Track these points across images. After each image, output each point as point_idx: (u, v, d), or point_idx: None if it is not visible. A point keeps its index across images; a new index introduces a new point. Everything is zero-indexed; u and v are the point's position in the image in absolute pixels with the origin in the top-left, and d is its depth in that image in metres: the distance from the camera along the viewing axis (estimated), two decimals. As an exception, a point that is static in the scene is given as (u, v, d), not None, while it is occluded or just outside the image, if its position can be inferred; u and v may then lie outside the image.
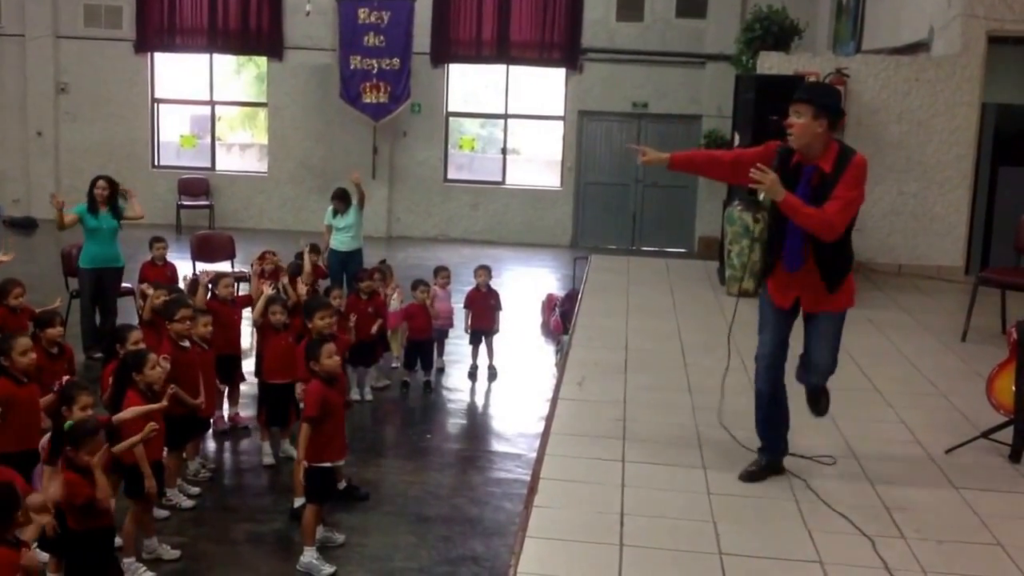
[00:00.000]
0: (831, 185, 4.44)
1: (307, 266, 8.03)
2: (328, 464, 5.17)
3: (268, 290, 6.89)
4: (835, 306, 4.73)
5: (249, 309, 7.21)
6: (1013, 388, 5.30)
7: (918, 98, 9.88)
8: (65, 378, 5.34)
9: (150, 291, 6.81)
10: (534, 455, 6.43)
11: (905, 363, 7.10)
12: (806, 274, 4.64)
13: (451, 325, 9.03)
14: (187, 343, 5.95)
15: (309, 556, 5.12)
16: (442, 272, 9.01)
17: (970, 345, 7.57)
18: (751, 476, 4.90)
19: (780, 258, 4.71)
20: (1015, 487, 4.95)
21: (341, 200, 10.15)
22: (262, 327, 6.73)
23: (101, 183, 8.73)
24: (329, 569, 5.09)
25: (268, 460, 6.61)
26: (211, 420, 6.59)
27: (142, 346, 5.50)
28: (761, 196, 4.58)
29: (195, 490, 6.06)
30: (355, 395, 7.86)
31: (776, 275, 4.78)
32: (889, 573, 3.84)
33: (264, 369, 6.63)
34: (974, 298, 7.80)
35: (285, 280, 7.54)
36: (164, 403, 5.10)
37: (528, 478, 5.86)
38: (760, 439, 5.00)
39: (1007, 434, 5.33)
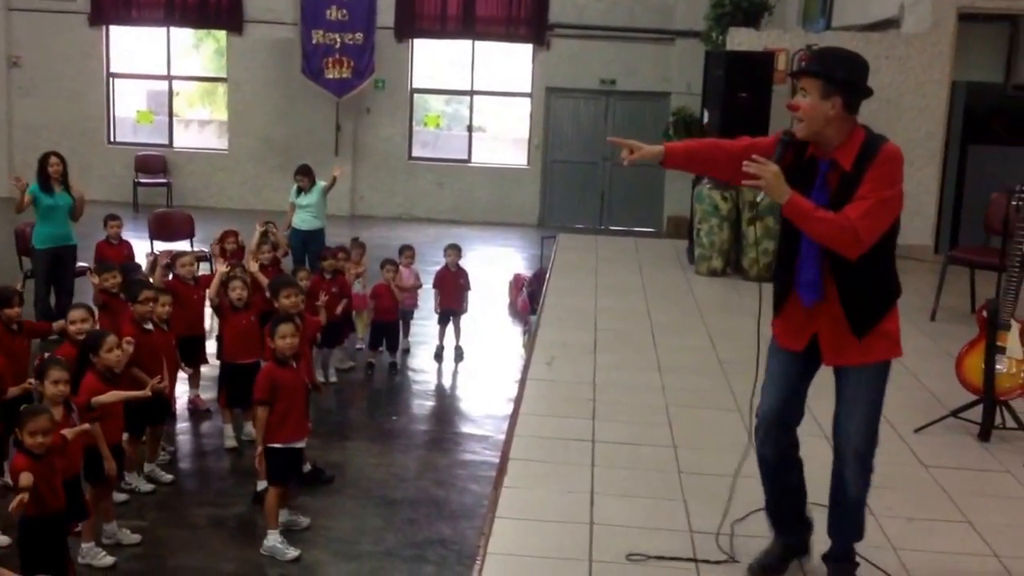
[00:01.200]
0: (854, 185, 3.34)
1: (255, 239, 7.76)
2: (282, 445, 5.08)
3: (223, 268, 6.71)
4: (868, 357, 3.48)
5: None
6: (982, 367, 5.34)
7: (888, 75, 9.82)
8: (45, 354, 5.20)
9: (95, 279, 6.64)
10: (501, 437, 6.46)
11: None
12: (826, 309, 3.50)
13: (416, 305, 8.91)
14: (151, 325, 5.83)
15: (273, 540, 5.05)
16: (407, 251, 8.90)
17: (939, 324, 7.61)
18: (765, 570, 3.79)
19: (794, 286, 3.56)
20: (984, 465, 5.02)
21: (305, 176, 9.95)
22: (220, 307, 6.56)
23: (54, 160, 8.44)
24: (294, 552, 5.02)
25: (230, 443, 6.49)
26: (173, 405, 6.46)
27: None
28: (759, 197, 3.54)
29: (168, 477, 5.95)
30: (319, 376, 7.69)
31: (787, 309, 3.61)
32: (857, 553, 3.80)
33: (225, 349, 6.48)
34: (943, 277, 7.82)
35: (248, 260, 7.34)
36: (148, 392, 5.06)
37: (495, 460, 5.93)
38: (769, 518, 3.89)
39: (976, 413, 5.39)
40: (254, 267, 6.99)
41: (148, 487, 5.75)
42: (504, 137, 17.44)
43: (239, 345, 6.37)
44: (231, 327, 6.43)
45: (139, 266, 7.94)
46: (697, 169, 4.09)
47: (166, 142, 16.91)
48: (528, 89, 16.32)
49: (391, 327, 8.45)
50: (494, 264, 12.63)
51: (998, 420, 5.36)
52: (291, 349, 5.13)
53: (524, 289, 10.46)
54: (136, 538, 5.15)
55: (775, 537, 3.85)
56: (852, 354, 3.49)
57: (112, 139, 16.86)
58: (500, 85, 16.77)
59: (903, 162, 3.41)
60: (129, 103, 17.28)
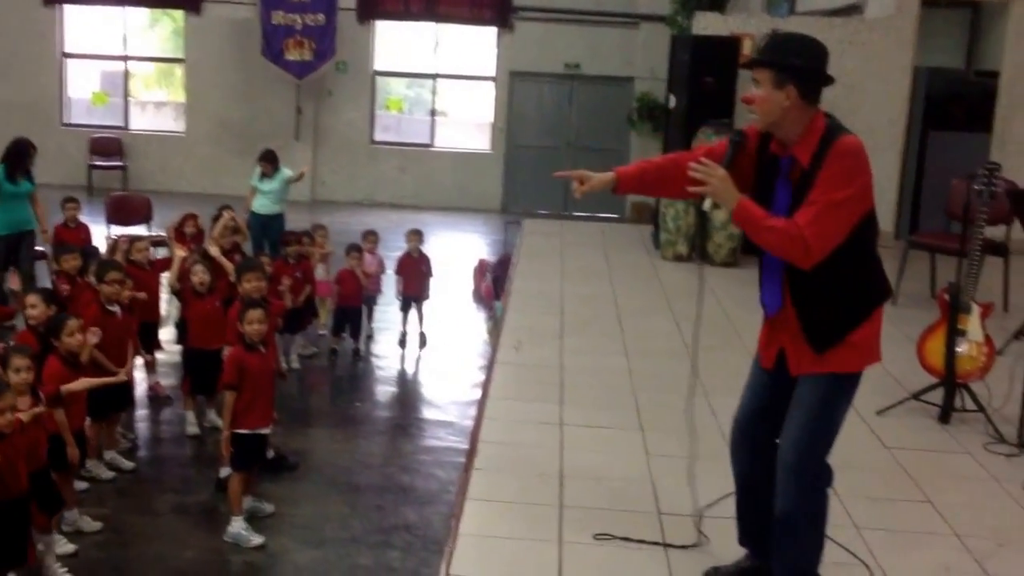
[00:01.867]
0: (812, 182, 3.09)
1: (219, 225, 7.62)
2: (248, 431, 5.03)
3: (181, 252, 6.60)
4: (824, 366, 3.23)
5: (167, 274, 6.90)
6: (943, 350, 5.41)
7: (851, 61, 9.87)
8: (11, 342, 5.14)
9: (54, 264, 6.58)
10: (466, 422, 6.47)
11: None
12: (788, 321, 3.28)
13: (380, 291, 8.85)
14: (116, 308, 5.74)
15: (237, 526, 5.00)
16: (370, 236, 8.83)
17: (900, 309, 7.65)
18: None
19: (760, 295, 3.40)
20: (944, 447, 5.09)
21: (269, 162, 9.80)
22: (183, 292, 6.44)
23: (32, 151, 8.34)
24: (258, 539, 4.98)
25: (192, 430, 6.40)
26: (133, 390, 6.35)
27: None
28: (707, 204, 3.21)
29: (129, 464, 5.86)
30: (282, 363, 7.63)
31: (764, 319, 3.46)
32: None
33: (190, 335, 6.38)
34: (904, 262, 7.89)
35: (210, 244, 7.22)
36: (123, 376, 5.05)
37: (461, 445, 5.95)
38: (738, 533, 3.69)
39: (937, 395, 5.45)
40: (216, 251, 6.88)
41: (109, 474, 5.66)
42: (467, 121, 17.33)
43: (204, 331, 6.26)
44: (195, 313, 6.32)
45: (98, 249, 7.80)
46: (652, 191, 3.76)
47: (121, 124, 16.61)
48: (492, 73, 16.22)
49: (354, 313, 8.37)
50: (457, 250, 12.57)
51: (958, 402, 5.42)
52: (259, 335, 5.08)
53: (488, 275, 10.41)
54: (97, 526, 5.08)
55: (747, 554, 3.66)
56: (811, 363, 3.26)
57: (66, 121, 16.52)
58: (463, 69, 16.65)
59: (862, 156, 3.10)
60: (83, 84, 16.95)
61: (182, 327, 6.61)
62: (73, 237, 8.35)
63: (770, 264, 3.29)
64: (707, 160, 3.16)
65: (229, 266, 6.70)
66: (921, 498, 4.44)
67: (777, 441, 3.37)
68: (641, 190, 3.61)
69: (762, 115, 3.19)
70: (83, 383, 4.87)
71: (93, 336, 5.14)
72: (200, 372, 6.26)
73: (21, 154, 8.25)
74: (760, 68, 3.19)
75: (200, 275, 6.29)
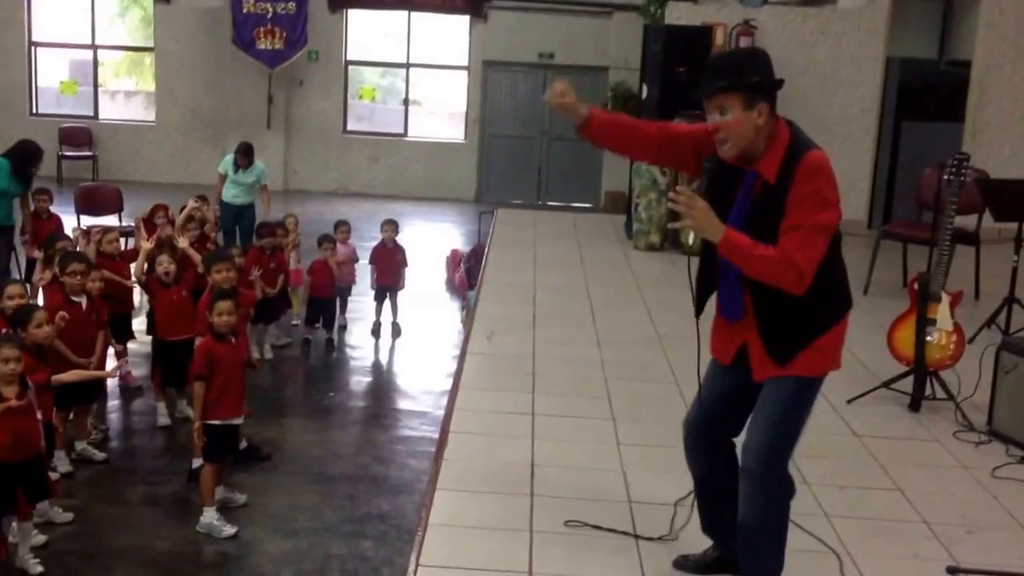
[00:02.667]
0: (780, 199, 3.06)
1: (184, 213, 7.55)
2: (219, 422, 5.01)
3: (147, 244, 6.54)
4: (789, 370, 3.20)
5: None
6: (913, 339, 5.45)
7: (824, 51, 9.93)
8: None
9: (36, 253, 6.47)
10: (439, 412, 6.44)
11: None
12: (751, 325, 3.25)
13: (354, 281, 8.78)
14: (80, 299, 5.66)
15: (209, 517, 4.96)
16: (342, 226, 8.75)
17: (872, 298, 7.73)
18: (687, 566, 3.69)
19: (717, 300, 3.36)
20: (914, 435, 5.14)
21: (245, 156, 9.70)
22: (148, 283, 6.38)
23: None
24: (231, 530, 4.94)
25: (163, 421, 6.33)
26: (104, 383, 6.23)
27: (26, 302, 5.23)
28: (688, 238, 3.38)
29: (101, 455, 5.81)
30: (255, 353, 7.57)
31: (715, 316, 3.42)
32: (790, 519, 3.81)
33: (158, 326, 6.31)
34: (876, 252, 7.93)
35: (177, 235, 7.14)
36: (114, 372, 5.07)
37: (434, 435, 5.92)
38: (701, 524, 3.72)
39: (907, 384, 5.50)
40: (184, 243, 6.81)
41: (67, 468, 5.58)
42: (441, 111, 17.23)
43: (171, 322, 6.20)
44: (162, 303, 6.25)
45: (67, 236, 7.70)
46: (617, 144, 3.61)
47: (91, 113, 16.39)
48: (465, 62, 16.13)
49: (328, 304, 8.31)
50: (431, 240, 12.49)
51: (928, 391, 5.46)
52: (229, 326, 5.05)
53: (462, 265, 10.35)
54: (68, 517, 5.03)
55: (712, 544, 3.68)
56: (775, 367, 3.20)
57: (34, 111, 16.28)
58: (437, 58, 16.54)
59: (830, 171, 3.07)
60: (52, 73, 16.72)
61: (152, 318, 6.55)
62: (45, 228, 8.24)
63: (727, 275, 3.21)
64: (685, 190, 3.06)
65: (197, 257, 6.64)
66: (890, 486, 4.47)
67: (733, 440, 3.40)
68: (605, 139, 3.50)
69: (736, 140, 3.10)
70: (73, 375, 4.83)
71: (60, 321, 5.09)
72: (170, 363, 6.19)
73: (31, 157, 8.31)
74: (725, 95, 3.09)
75: (165, 265, 6.23)
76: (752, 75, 3.09)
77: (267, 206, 9.84)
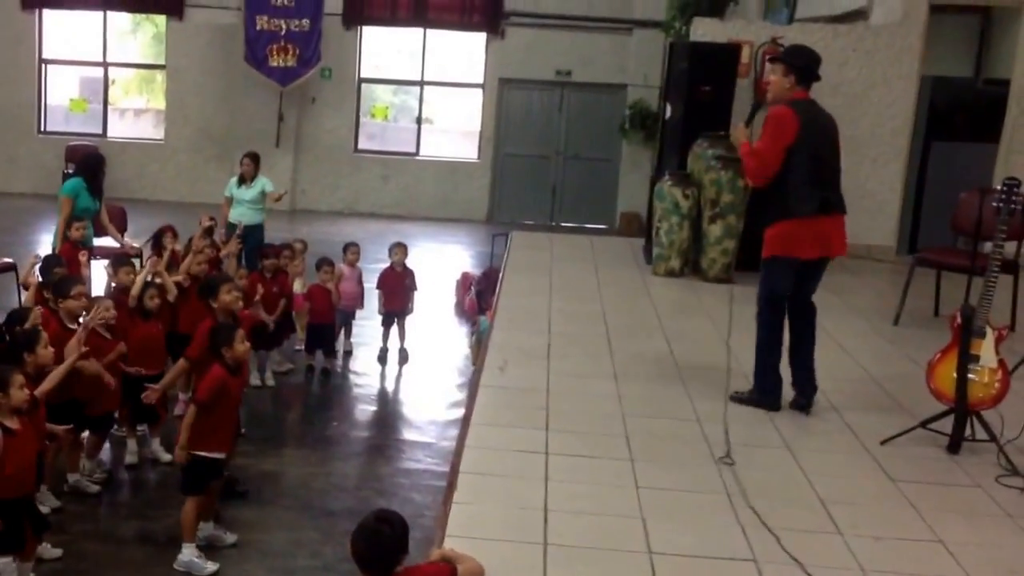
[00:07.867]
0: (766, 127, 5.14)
1: (196, 244, 7.22)
2: (206, 454, 4.89)
3: (141, 275, 6.34)
4: (763, 252, 5.26)
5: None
6: (954, 376, 5.06)
7: (854, 69, 9.58)
8: None
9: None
10: (445, 444, 6.19)
11: (835, 347, 6.82)
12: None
13: (360, 306, 8.55)
14: (77, 326, 5.47)
15: (188, 554, 4.87)
16: (351, 248, 8.54)
17: (902, 329, 7.38)
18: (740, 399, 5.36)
19: None
20: (954, 480, 4.79)
21: (253, 162, 9.49)
22: (132, 312, 6.09)
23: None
24: (211, 567, 4.82)
25: (130, 459, 6.10)
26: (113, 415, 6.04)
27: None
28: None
29: (94, 488, 5.72)
30: (255, 380, 7.47)
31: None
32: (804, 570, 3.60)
33: (129, 358, 5.94)
34: (910, 280, 7.55)
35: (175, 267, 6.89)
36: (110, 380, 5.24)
37: (439, 468, 5.87)
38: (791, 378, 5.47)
39: (944, 423, 5.12)
40: (166, 277, 6.53)
41: (55, 503, 5.40)
42: (454, 130, 17.12)
43: (141, 356, 5.90)
44: (136, 335, 5.95)
45: (61, 259, 7.42)
46: None
47: (99, 131, 16.34)
48: (480, 80, 15.98)
49: (326, 330, 8.10)
50: (440, 262, 12.31)
51: (968, 431, 5.09)
52: (247, 355, 5.05)
53: (472, 288, 10.12)
54: (57, 552, 4.94)
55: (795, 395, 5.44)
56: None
57: (43, 128, 16.24)
58: (451, 76, 16.44)
59: (780, 120, 4.98)
60: (62, 90, 16.72)
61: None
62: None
63: None
64: (738, 125, 5.43)
65: (173, 289, 6.47)
66: (930, 536, 4.15)
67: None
68: None
69: (772, 92, 5.21)
70: (91, 364, 5.07)
71: (106, 311, 5.28)
72: (138, 400, 5.80)
73: (96, 168, 8.32)
74: (776, 63, 5.22)
75: (155, 299, 6.09)
76: (793, 59, 5.18)
77: (276, 197, 9.56)
